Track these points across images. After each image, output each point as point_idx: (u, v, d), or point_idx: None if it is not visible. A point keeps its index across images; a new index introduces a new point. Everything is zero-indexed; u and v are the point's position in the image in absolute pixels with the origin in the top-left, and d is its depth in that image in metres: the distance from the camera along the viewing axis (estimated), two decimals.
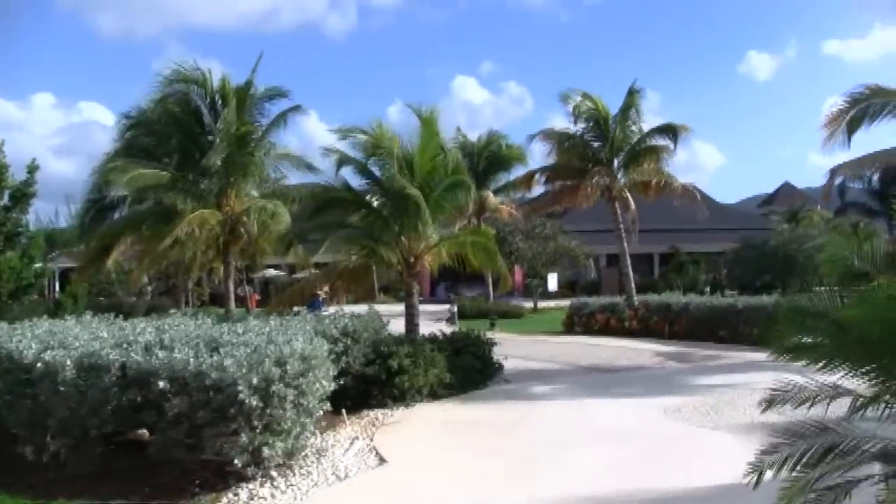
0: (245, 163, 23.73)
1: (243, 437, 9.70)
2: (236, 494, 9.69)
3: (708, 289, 46.01)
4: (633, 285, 30.45)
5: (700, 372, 19.28)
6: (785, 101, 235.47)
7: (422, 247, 18.46)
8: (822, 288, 5.98)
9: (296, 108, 23.91)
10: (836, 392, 5.67)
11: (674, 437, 12.09)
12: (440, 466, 10.83)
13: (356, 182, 19.10)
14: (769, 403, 6.19)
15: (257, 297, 54.86)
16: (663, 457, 10.88)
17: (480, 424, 13.61)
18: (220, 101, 23.68)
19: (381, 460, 11.32)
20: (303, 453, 11.27)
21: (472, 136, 47.49)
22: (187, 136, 24.14)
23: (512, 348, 23.85)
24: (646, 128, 29.38)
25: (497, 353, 18.89)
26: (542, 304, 45.90)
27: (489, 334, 19.55)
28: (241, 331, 11.81)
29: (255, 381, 9.68)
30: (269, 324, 13.03)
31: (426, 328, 21.27)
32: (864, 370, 5.19)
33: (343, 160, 18.69)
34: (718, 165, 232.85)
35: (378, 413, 14.78)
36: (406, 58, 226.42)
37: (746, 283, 38.34)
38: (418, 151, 18.16)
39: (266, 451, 9.92)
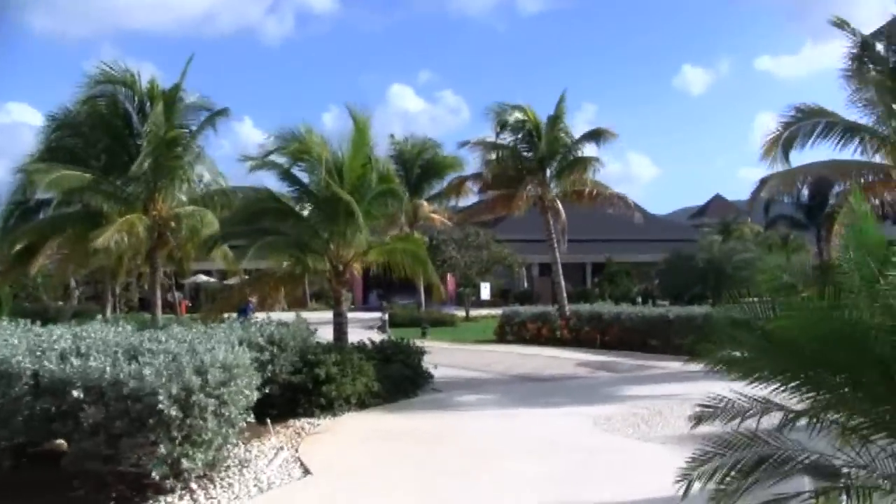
0: (173, 167, 23.28)
1: (162, 449, 9.34)
2: None
3: (640, 299, 46.43)
4: (564, 294, 30.49)
5: (631, 382, 19.30)
6: (718, 116, 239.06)
7: (351, 254, 18.17)
8: (753, 299, 5.90)
9: (222, 112, 23.51)
10: (768, 406, 5.55)
11: (604, 448, 11.97)
12: (363, 479, 10.57)
13: (285, 189, 18.75)
14: (699, 420, 6.07)
15: (187, 303, 54.11)
16: (592, 469, 10.74)
17: (407, 435, 13.38)
18: (148, 104, 23.21)
19: (306, 471, 11.03)
20: (225, 465, 10.96)
21: (407, 145, 47.24)
22: (115, 138, 23.63)
23: (443, 357, 23.71)
24: (577, 135, 29.58)
25: (428, 362, 18.70)
26: (474, 312, 45.86)
27: (420, 343, 19.35)
28: (162, 338, 11.45)
29: (174, 390, 9.35)
30: (191, 332, 12.68)
31: (357, 336, 20.87)
32: (793, 384, 5.08)
33: (261, 165, 18.30)
34: (652, 177, 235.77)
35: (305, 422, 14.49)
36: (343, 65, 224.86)
37: (677, 294, 38.74)
38: (349, 157, 17.84)
39: (185, 463, 9.57)
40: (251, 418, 11.25)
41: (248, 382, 11.17)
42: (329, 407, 15.12)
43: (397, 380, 16.94)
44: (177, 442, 9.51)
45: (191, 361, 9.85)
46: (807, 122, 19.96)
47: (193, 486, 9.99)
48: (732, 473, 5.38)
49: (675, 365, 21.47)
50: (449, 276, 56.79)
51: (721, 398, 5.91)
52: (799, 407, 5.33)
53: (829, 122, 19.83)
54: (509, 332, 31.74)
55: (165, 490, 9.71)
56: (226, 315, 29.54)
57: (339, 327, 18.38)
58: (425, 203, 45.33)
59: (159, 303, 24.81)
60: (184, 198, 25.22)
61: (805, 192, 51.16)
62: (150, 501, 9.55)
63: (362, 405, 15.79)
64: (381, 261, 18.79)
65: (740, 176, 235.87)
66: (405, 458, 11.74)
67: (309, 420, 14.66)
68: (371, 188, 17.73)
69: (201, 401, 9.58)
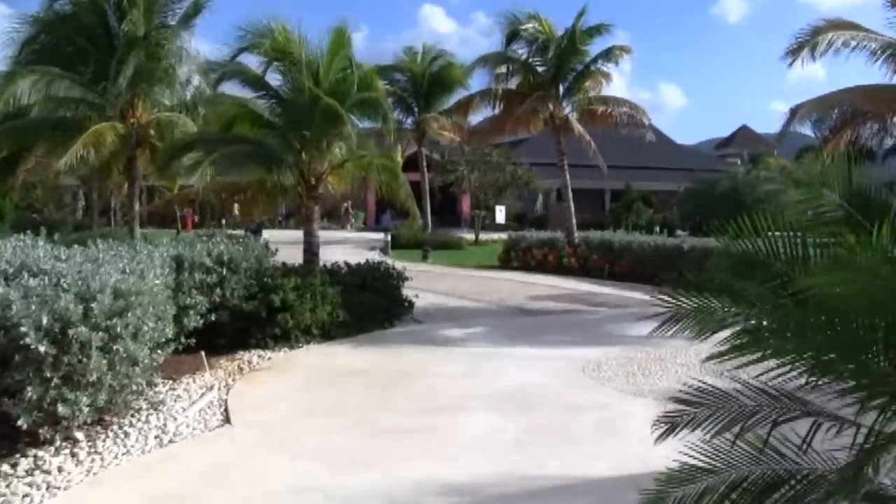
0: (152, 69, 21.10)
1: (30, 392, 7.41)
2: (13, 465, 7.42)
3: (657, 228, 44.25)
4: (573, 220, 28.20)
5: (634, 319, 17.17)
6: (753, 46, 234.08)
7: (325, 167, 15.98)
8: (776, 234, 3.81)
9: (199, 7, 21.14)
10: (788, 408, 3.47)
11: (586, 404, 9.83)
12: (287, 434, 8.58)
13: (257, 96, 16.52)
14: (669, 428, 3.95)
15: (196, 217, 51.84)
16: (567, 431, 8.66)
17: (365, 375, 11.37)
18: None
19: (226, 420, 9.12)
20: (131, 409, 9.08)
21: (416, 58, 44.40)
22: (90, 40, 21.40)
23: (436, 283, 21.95)
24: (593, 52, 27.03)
25: (416, 287, 16.71)
26: (485, 236, 43.60)
27: (418, 266, 17.33)
28: (63, 255, 9.43)
29: (45, 321, 7.40)
30: (112, 248, 10.64)
31: (358, 256, 19.19)
32: (833, 372, 2.99)
33: (229, 73, 16.10)
34: (681, 106, 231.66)
35: (255, 355, 12.62)
36: None
37: (696, 225, 36.71)
38: (326, 60, 15.57)
39: (62, 409, 7.63)
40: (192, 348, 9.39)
41: (160, 312, 9.23)
42: (285, 338, 13.19)
43: (371, 308, 14.95)
44: (51, 384, 7.58)
45: (73, 286, 7.86)
46: (842, 32, 17.64)
47: (78, 435, 8.10)
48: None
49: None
50: (463, 198, 54.63)
51: (708, 391, 3.82)
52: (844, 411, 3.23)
53: (866, 34, 17.57)
54: (514, 258, 29.56)
55: (41, 441, 7.84)
56: (238, 233, 28.21)
57: (310, 248, 16.22)
58: (434, 117, 42.69)
59: (137, 216, 22.82)
60: (167, 103, 23.23)
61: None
62: (18, 455, 7.65)
63: (326, 336, 13.85)
64: (359, 175, 16.63)
65: (770, 109, 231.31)
66: (350, 406, 9.75)
67: (261, 353, 12.75)
68: (351, 95, 15.43)
69: (82, 334, 7.61)
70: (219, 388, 10.48)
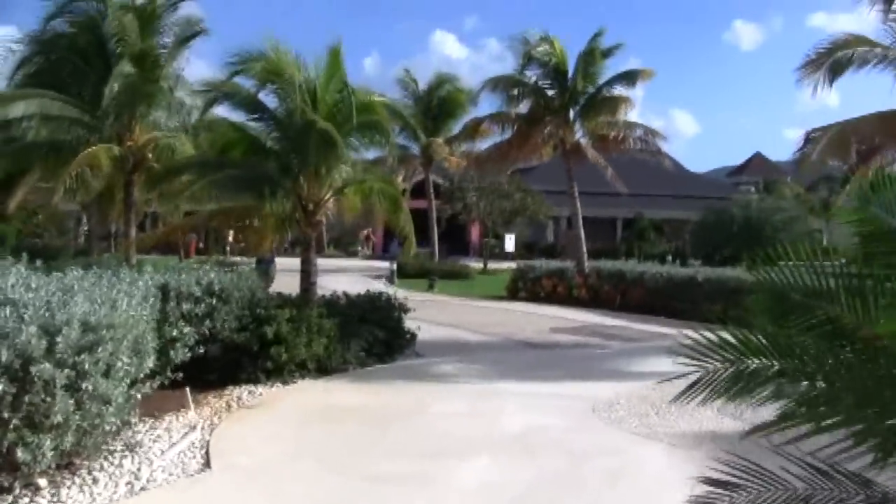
0: (148, 90, 20.64)
1: None
2: None
3: (669, 257, 43.50)
4: (584, 249, 27.55)
5: (647, 353, 16.50)
6: (766, 73, 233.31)
7: (324, 192, 15.37)
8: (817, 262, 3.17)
9: (197, 30, 20.74)
10: (851, 488, 2.78)
11: (596, 448, 9.15)
12: (270, 481, 7.89)
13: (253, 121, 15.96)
14: None
15: (199, 244, 51.00)
16: (576, 483, 7.96)
17: (360, 414, 10.69)
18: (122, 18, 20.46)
19: (206, 465, 8.43)
20: (104, 452, 8.44)
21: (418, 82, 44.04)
22: (85, 60, 20.95)
23: (441, 313, 21.33)
24: (607, 75, 26.47)
25: (417, 319, 16.02)
26: (494, 265, 42.99)
27: (423, 296, 16.68)
28: (33, 284, 8.79)
29: (4, 356, 6.78)
30: (92, 276, 10.02)
31: (362, 286, 18.72)
32: None
33: (222, 95, 15.56)
34: (694, 134, 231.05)
35: (245, 391, 11.94)
36: (382, 11, 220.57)
37: (709, 254, 36.03)
38: (322, 83, 14.99)
39: (21, 454, 7.00)
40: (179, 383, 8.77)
41: (137, 346, 8.60)
42: (278, 372, 12.51)
43: (370, 342, 14.28)
44: (9, 426, 6.95)
45: (36, 318, 7.25)
46: (861, 48, 17.09)
47: (41, 482, 7.45)
48: None
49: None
50: (473, 226, 54.08)
51: (749, 469, 3.13)
52: None
53: (884, 52, 17.03)
54: (522, 289, 28.93)
55: (3, 488, 7.21)
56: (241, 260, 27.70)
57: (307, 277, 15.58)
58: (441, 143, 42.17)
59: (133, 242, 22.31)
60: (169, 125, 22.82)
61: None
62: None
63: (322, 371, 13.17)
64: (359, 203, 16.03)
65: (784, 137, 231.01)
66: (341, 449, 9.07)
67: (251, 389, 12.08)
68: (350, 118, 14.82)
69: (45, 372, 6.98)
70: (202, 428, 9.84)
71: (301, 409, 11.06)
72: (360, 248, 55.89)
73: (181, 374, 10.64)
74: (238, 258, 33.38)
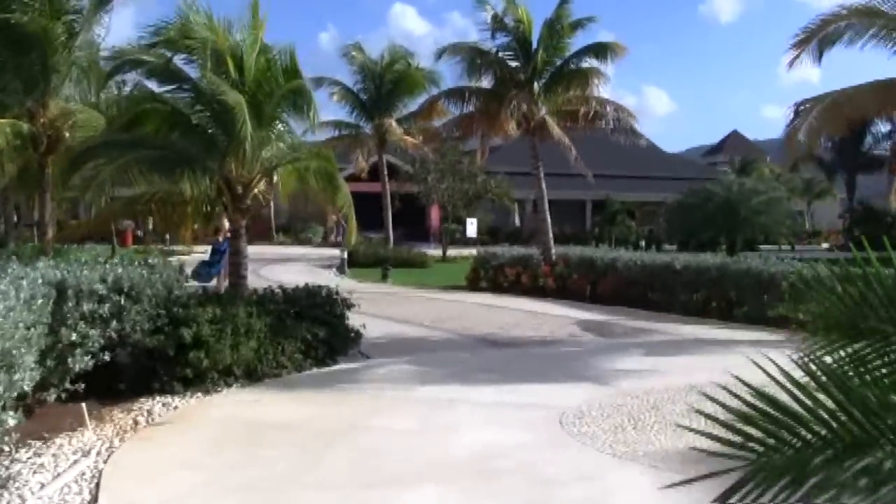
0: (58, 61, 19.45)
1: None
2: None
3: (642, 243, 42.76)
4: (550, 235, 26.56)
5: (622, 351, 15.58)
6: (745, 48, 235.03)
7: (254, 173, 14.16)
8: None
9: None
10: None
11: (565, 475, 8.05)
12: None
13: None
14: None
15: (137, 232, 49.07)
16: None
17: (292, 431, 9.59)
18: None
19: (94, 501, 7.32)
20: None
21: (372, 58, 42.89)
22: None
23: (393, 307, 20.42)
24: (575, 47, 25.47)
25: (365, 314, 15.02)
26: (454, 252, 41.97)
27: (376, 287, 15.63)
28: None
29: None
30: None
31: (310, 276, 17.95)
32: None
33: (130, 63, 14.43)
34: (667, 112, 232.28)
35: (158, 403, 10.82)
36: None
37: (685, 239, 35.36)
38: (248, 48, 13.84)
39: None
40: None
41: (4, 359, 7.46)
42: (199, 381, 11.38)
43: (308, 343, 13.14)
44: None
45: None
46: (861, 20, 16.42)
47: None
48: None
49: (683, 329, 18.08)
50: (433, 209, 53.03)
51: None
52: None
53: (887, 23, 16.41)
54: (484, 278, 27.83)
55: None
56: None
57: (236, 270, 14.41)
58: (394, 123, 41.09)
59: (50, 230, 21.15)
60: (92, 100, 21.71)
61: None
62: None
63: (251, 378, 12.05)
64: (294, 183, 14.92)
65: (763, 115, 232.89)
66: (267, 477, 7.96)
67: (166, 400, 10.96)
68: (279, 86, 13.68)
69: None
70: (98, 452, 8.69)
71: (221, 425, 9.95)
72: (331, 236, 54.33)
73: (83, 385, 9.66)
74: (184, 247, 32.19)
